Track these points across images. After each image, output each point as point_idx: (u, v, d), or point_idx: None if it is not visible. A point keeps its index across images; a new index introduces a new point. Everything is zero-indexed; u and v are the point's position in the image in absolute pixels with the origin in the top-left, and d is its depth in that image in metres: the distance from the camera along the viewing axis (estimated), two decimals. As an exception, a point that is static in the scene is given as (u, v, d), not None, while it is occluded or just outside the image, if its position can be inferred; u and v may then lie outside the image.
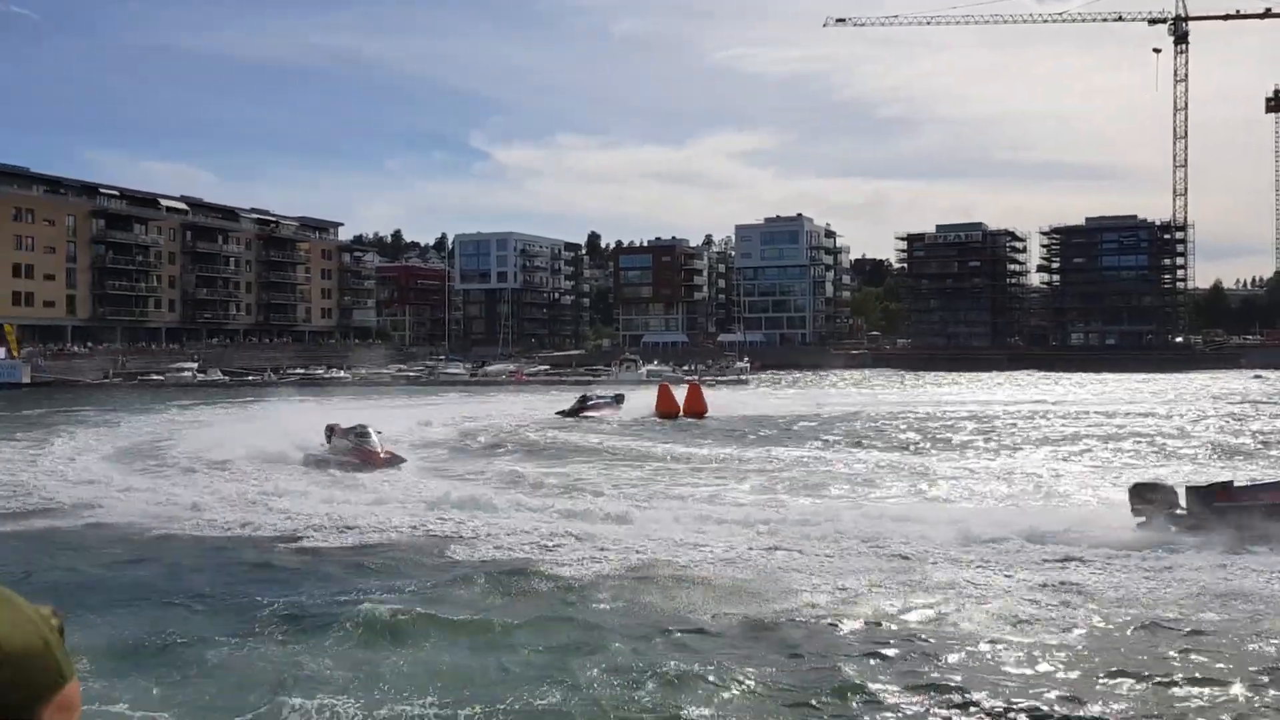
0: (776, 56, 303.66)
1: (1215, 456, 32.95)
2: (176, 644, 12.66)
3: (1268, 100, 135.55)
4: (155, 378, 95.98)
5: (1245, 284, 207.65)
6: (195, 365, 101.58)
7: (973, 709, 10.26)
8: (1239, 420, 47.88)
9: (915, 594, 14.57)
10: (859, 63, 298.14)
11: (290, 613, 13.92)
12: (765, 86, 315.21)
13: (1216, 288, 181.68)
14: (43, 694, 1.23)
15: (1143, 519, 18.04)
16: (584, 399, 52.67)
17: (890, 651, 12.01)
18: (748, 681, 11.07)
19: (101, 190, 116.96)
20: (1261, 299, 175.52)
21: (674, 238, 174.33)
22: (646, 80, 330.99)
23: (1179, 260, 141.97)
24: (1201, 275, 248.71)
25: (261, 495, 24.12)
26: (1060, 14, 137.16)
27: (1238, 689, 10.65)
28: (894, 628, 13.05)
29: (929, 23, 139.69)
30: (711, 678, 11.19)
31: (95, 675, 11.12)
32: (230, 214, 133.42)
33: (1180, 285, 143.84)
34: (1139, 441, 37.38)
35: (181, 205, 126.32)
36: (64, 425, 45.20)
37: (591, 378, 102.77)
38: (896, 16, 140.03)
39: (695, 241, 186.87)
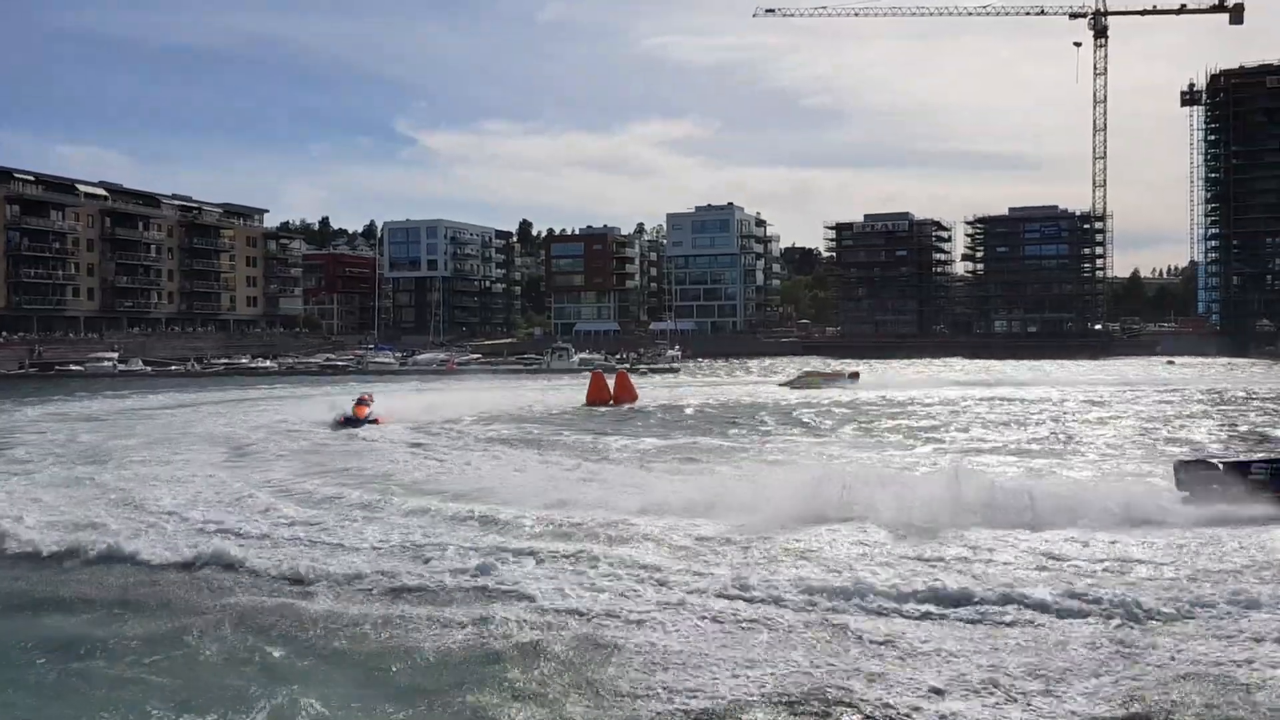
0: (705, 45, 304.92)
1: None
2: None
3: (1183, 94, 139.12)
4: (74, 368, 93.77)
5: (1161, 273, 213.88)
6: (115, 355, 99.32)
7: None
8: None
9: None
10: (787, 52, 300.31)
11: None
12: (693, 75, 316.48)
13: (1134, 277, 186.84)
14: None
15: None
16: None
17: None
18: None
19: (16, 175, 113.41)
20: (1176, 287, 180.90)
21: (606, 226, 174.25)
22: (573, 67, 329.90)
23: (1098, 250, 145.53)
24: (1120, 265, 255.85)
25: None
26: (984, 7, 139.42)
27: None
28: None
29: (857, 14, 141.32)
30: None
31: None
32: (151, 200, 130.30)
33: (1099, 274, 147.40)
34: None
35: (100, 191, 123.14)
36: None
37: (523, 366, 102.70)
38: (825, 7, 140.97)
39: (627, 229, 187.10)
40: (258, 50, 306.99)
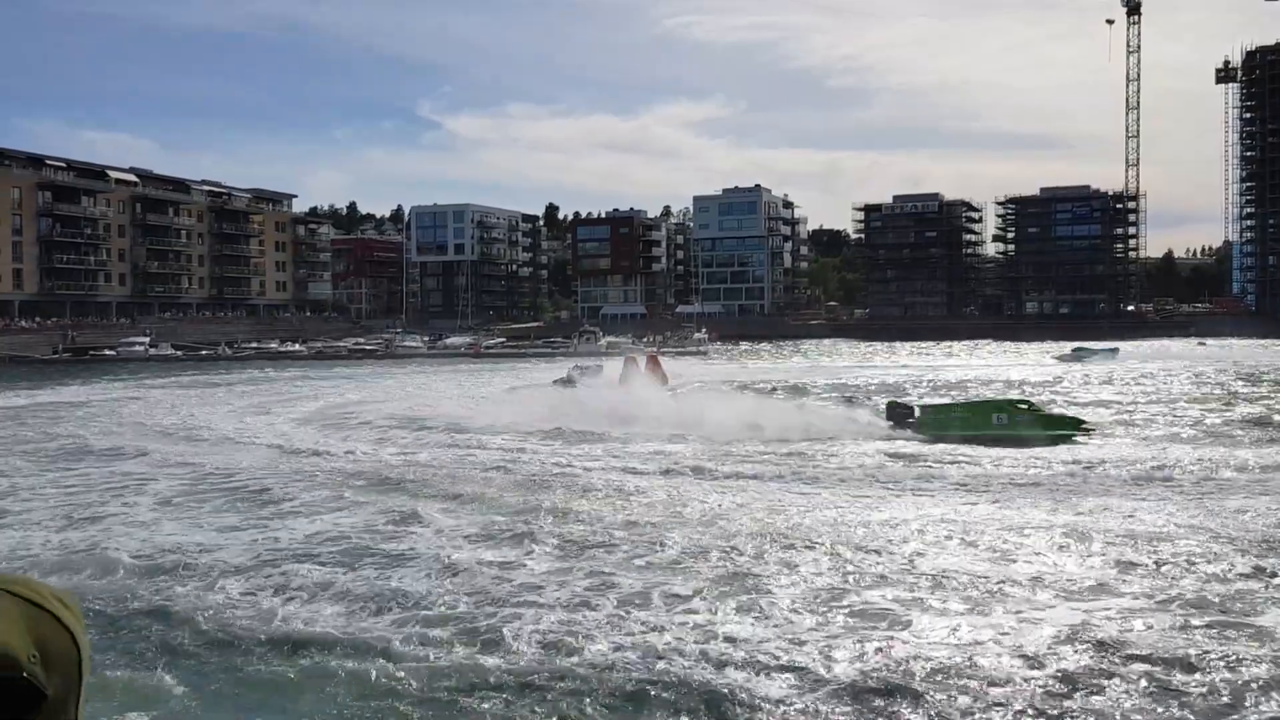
0: (727, 25, 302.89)
1: None
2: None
3: (1217, 71, 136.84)
4: (107, 353, 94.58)
5: (1195, 253, 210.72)
6: (147, 339, 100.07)
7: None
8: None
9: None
10: (810, 32, 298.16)
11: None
12: (716, 55, 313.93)
13: (1167, 257, 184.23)
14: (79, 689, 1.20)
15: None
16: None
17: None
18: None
19: (48, 161, 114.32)
20: (1210, 268, 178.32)
21: (632, 209, 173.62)
22: (595, 48, 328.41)
23: (1131, 230, 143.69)
24: (1153, 245, 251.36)
25: None
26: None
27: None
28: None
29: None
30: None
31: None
32: (181, 186, 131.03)
33: (1132, 255, 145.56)
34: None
35: (131, 177, 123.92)
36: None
37: (550, 350, 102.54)
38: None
39: (653, 212, 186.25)
40: (282, 35, 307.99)
